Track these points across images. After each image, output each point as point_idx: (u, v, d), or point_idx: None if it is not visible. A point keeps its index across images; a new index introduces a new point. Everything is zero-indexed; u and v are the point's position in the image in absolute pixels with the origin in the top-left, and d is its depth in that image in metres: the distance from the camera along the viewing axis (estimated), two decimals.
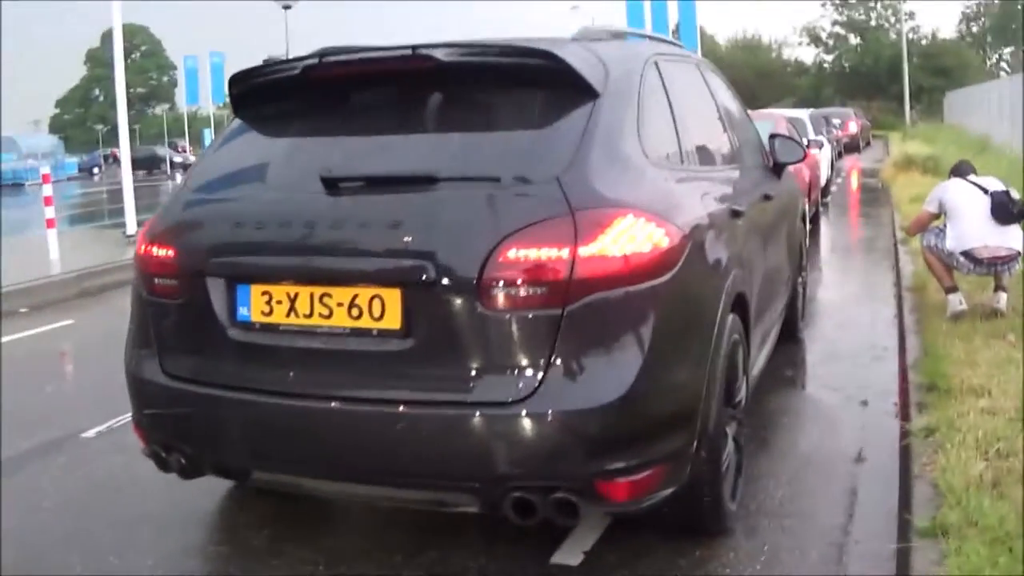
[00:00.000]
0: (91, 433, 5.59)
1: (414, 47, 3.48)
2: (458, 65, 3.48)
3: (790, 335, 6.85)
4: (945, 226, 7.02)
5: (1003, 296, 6.85)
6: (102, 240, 16.41)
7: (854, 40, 67.36)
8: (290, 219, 3.38)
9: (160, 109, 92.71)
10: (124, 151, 14.68)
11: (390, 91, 3.74)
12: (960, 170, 7.38)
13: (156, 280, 3.67)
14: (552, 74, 3.43)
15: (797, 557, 3.71)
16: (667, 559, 3.70)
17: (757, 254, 4.65)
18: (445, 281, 3.09)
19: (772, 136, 6.09)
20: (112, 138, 72.16)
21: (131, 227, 14.73)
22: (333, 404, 3.24)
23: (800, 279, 7.07)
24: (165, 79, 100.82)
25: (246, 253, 3.44)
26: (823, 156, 16.21)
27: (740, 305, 4.02)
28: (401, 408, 3.14)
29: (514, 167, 3.24)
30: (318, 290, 3.28)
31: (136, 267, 3.82)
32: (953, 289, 6.88)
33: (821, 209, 15.54)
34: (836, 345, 7.17)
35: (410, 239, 3.17)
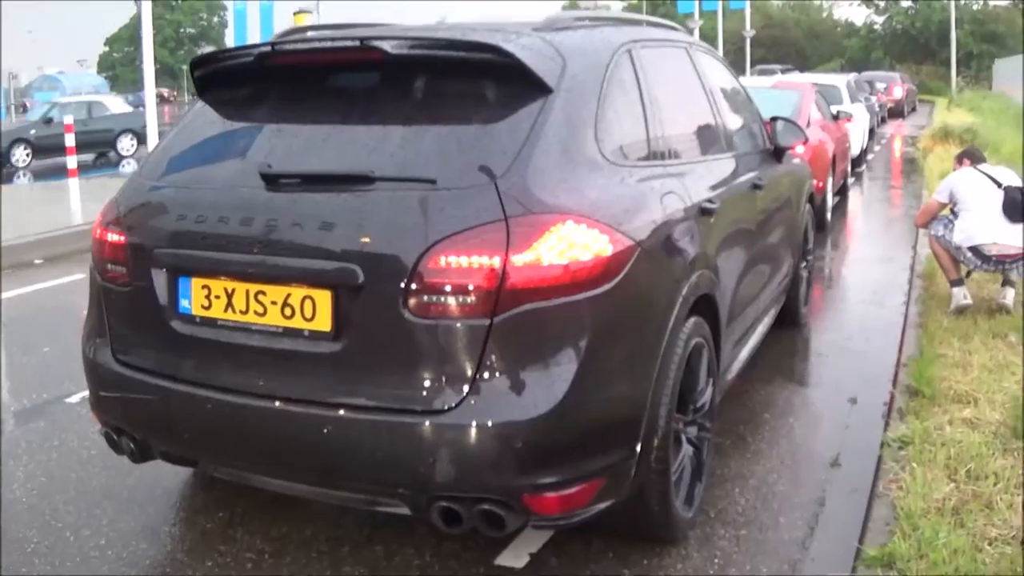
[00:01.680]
0: (75, 398, 5.61)
1: (363, 38, 3.38)
2: (406, 58, 3.37)
3: (791, 320, 6.74)
4: (955, 216, 6.83)
5: (1010, 292, 6.68)
6: None
7: (905, 2, 65.90)
8: (230, 214, 3.31)
9: (209, 49, 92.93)
10: (149, 94, 14.58)
11: (339, 82, 3.66)
12: (973, 156, 7.17)
13: (108, 265, 3.65)
14: (501, 69, 3.31)
15: (747, 571, 3.63)
16: (612, 565, 3.64)
17: (735, 249, 4.53)
18: (374, 285, 3.02)
19: (773, 119, 5.95)
20: (161, 77, 72.58)
21: None
22: (267, 403, 3.19)
23: (804, 264, 6.94)
24: (215, 20, 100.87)
25: (187, 246, 3.39)
26: (855, 127, 15.89)
27: (706, 307, 3.91)
28: (330, 411, 3.09)
29: (453, 169, 3.13)
30: (253, 287, 3.22)
31: (92, 251, 3.79)
32: (958, 282, 6.72)
33: (851, 180, 15.25)
34: (837, 334, 7.02)
35: (341, 240, 3.09)
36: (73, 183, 13.81)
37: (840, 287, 8.92)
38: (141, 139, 22.23)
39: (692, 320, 3.70)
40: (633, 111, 3.85)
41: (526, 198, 3.05)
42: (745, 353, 5.09)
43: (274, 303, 3.19)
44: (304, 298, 3.14)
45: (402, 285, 2.98)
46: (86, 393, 5.46)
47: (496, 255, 2.95)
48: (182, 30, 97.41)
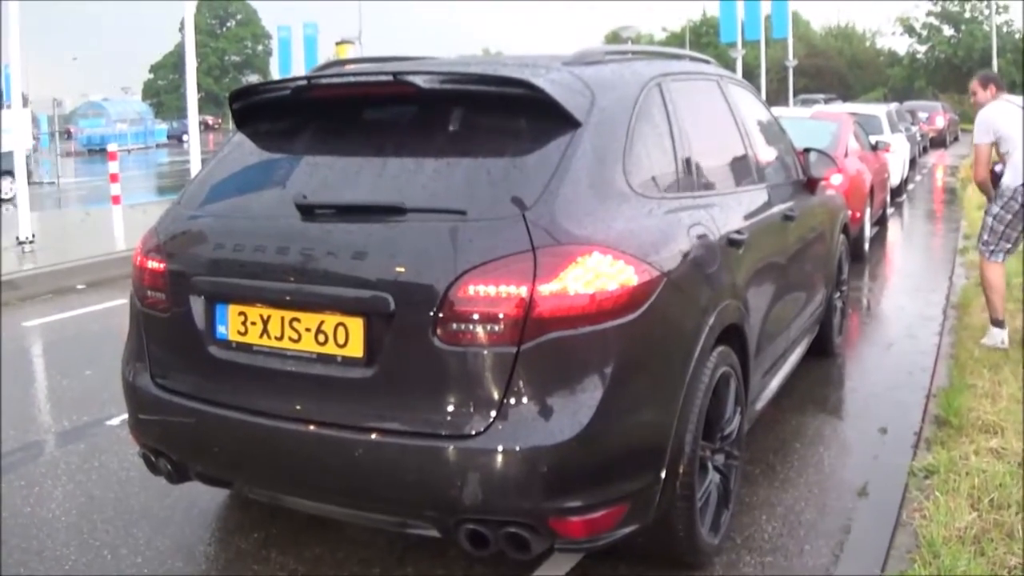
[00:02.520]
0: (115, 421, 5.74)
1: (395, 72, 3.49)
2: (438, 92, 3.48)
3: (824, 350, 6.76)
4: (1001, 171, 6.57)
5: None
6: None
7: (948, 31, 65.57)
8: (266, 243, 3.42)
9: (254, 78, 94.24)
10: (193, 127, 14.88)
11: (373, 115, 3.76)
12: (998, 83, 6.82)
13: (148, 292, 3.76)
14: (531, 103, 3.40)
15: None
16: None
17: (765, 280, 4.58)
18: (405, 313, 3.11)
19: (806, 150, 6.00)
20: (206, 105, 73.53)
21: None
22: (300, 426, 3.29)
23: (838, 294, 6.96)
24: (260, 48, 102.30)
25: (225, 274, 3.50)
26: (895, 158, 15.85)
27: (734, 336, 3.97)
28: (362, 435, 3.17)
29: (483, 200, 3.22)
30: (288, 314, 3.32)
31: (132, 278, 3.91)
32: (1000, 324, 6.64)
33: (890, 211, 15.21)
34: (870, 364, 7.04)
35: (374, 270, 3.19)
36: None
37: (876, 317, 8.92)
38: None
39: (719, 349, 3.75)
40: (662, 144, 3.92)
41: (554, 229, 3.13)
42: (776, 383, 5.12)
43: (308, 330, 3.28)
44: (337, 325, 3.23)
45: (432, 313, 3.07)
46: (126, 416, 5.71)
47: (524, 284, 3.03)
48: (227, 58, 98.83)
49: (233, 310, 3.44)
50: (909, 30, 66.68)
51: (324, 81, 3.72)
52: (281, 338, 3.34)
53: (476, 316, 3.04)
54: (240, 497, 4.51)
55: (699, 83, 4.74)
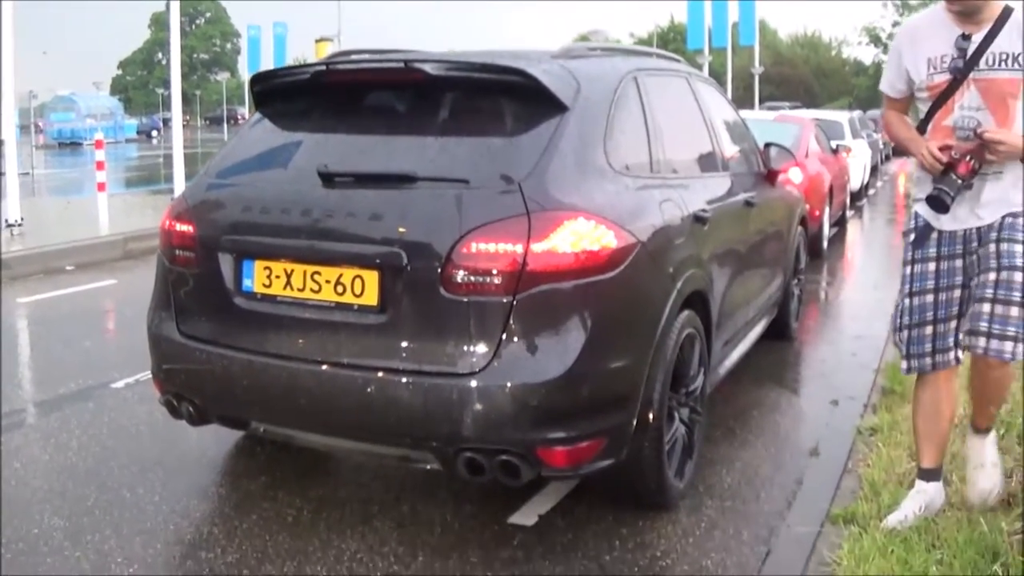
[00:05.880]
0: (120, 384, 6.14)
1: (407, 60, 3.95)
2: (444, 78, 3.95)
3: (782, 334, 7.24)
4: None
5: None
6: (152, 205, 17.02)
7: None
8: (291, 206, 3.87)
9: (222, 76, 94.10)
10: (176, 117, 15.21)
11: (384, 97, 4.23)
12: None
13: (177, 252, 4.18)
14: (525, 89, 3.88)
15: (730, 534, 4.11)
16: (610, 526, 4.12)
17: (727, 256, 5.05)
18: (415, 266, 3.56)
19: (767, 145, 6.49)
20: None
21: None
22: (318, 367, 3.72)
23: (796, 281, 7.46)
24: (228, 46, 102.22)
25: (252, 233, 3.94)
26: (856, 161, 16.47)
27: (699, 302, 4.43)
28: (374, 374, 3.61)
29: (483, 172, 3.70)
30: (310, 268, 3.76)
31: (160, 240, 4.33)
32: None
33: (850, 213, 15.81)
34: (824, 348, 7.56)
35: (388, 229, 3.64)
36: None
37: (832, 307, 9.45)
38: None
39: (686, 312, 4.21)
40: (637, 129, 4.39)
41: (545, 197, 3.60)
42: (736, 354, 5.60)
43: (328, 281, 3.73)
44: (355, 277, 3.67)
45: (439, 266, 3.53)
46: (131, 380, 6.12)
47: (519, 243, 3.49)
48: (195, 55, 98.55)
49: (259, 265, 3.87)
50: (875, 40, 67.72)
51: (341, 67, 4.17)
52: (303, 289, 3.77)
53: (478, 269, 3.50)
54: (248, 445, 4.94)
55: (670, 78, 5.22)
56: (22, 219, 12.12)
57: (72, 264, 10.85)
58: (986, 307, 3.60)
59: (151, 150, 42.43)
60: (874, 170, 23.20)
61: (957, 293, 3.81)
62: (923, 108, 3.90)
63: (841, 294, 10.22)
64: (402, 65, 3.98)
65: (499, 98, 3.98)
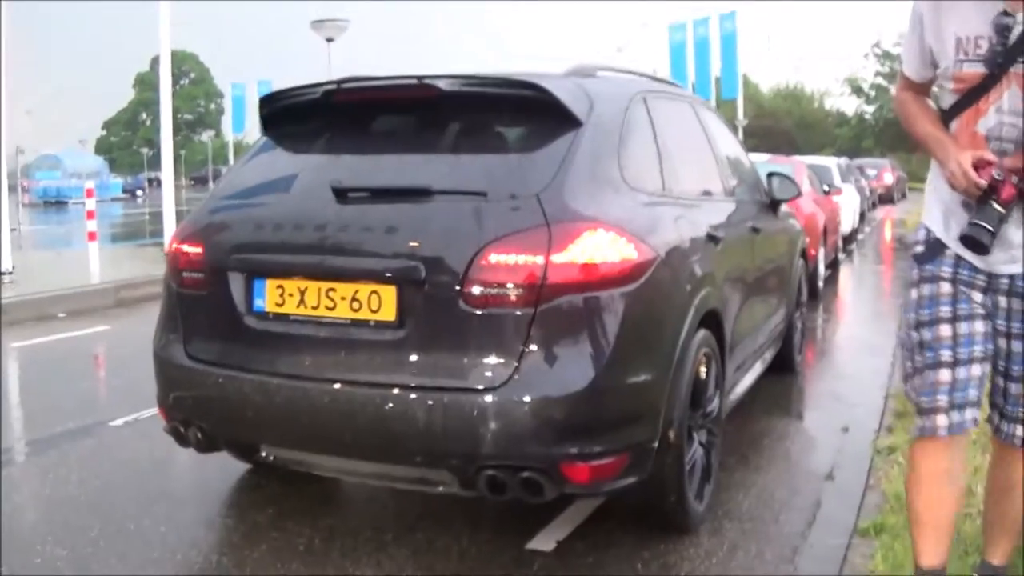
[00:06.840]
0: (119, 422, 6.03)
1: (420, 77, 3.92)
2: (458, 94, 3.92)
3: (786, 366, 7.19)
4: None
5: None
6: (141, 256, 16.99)
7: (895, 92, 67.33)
8: (303, 223, 3.81)
9: (206, 136, 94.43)
10: (167, 173, 15.21)
11: (397, 114, 4.21)
12: None
13: (184, 274, 4.10)
14: (541, 105, 3.85)
15: (752, 555, 4.03)
16: (632, 550, 4.03)
17: (737, 278, 5.01)
18: (434, 280, 3.49)
19: (770, 175, 6.48)
20: (157, 162, 73.48)
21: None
22: (334, 385, 3.63)
23: (798, 313, 7.42)
24: (212, 106, 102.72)
25: (263, 251, 3.87)
26: (846, 203, 16.54)
27: (713, 322, 4.37)
28: (392, 391, 3.53)
29: (500, 184, 3.65)
30: (325, 285, 3.69)
31: (167, 263, 4.25)
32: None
33: (842, 256, 15.84)
34: (831, 380, 7.52)
35: (405, 243, 3.58)
36: None
37: (832, 344, 9.41)
38: None
39: (702, 331, 4.16)
40: (647, 147, 4.37)
41: (564, 209, 3.56)
42: (747, 380, 5.54)
43: (343, 298, 3.65)
44: (371, 293, 3.60)
45: (459, 279, 3.46)
46: (129, 418, 6.01)
47: (540, 254, 3.43)
48: (180, 116, 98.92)
49: (271, 284, 3.80)
50: (857, 90, 68.34)
51: (355, 85, 4.13)
52: (317, 307, 3.70)
53: (498, 282, 3.43)
54: (253, 479, 4.84)
55: (676, 102, 5.21)
56: (13, 267, 12.04)
57: (64, 311, 10.75)
58: None
59: (137, 208, 42.34)
60: (862, 216, 23.30)
61: (980, 326, 2.90)
62: (945, 100, 2.95)
63: (839, 332, 10.18)
64: (415, 82, 3.94)
65: (513, 113, 3.96)
